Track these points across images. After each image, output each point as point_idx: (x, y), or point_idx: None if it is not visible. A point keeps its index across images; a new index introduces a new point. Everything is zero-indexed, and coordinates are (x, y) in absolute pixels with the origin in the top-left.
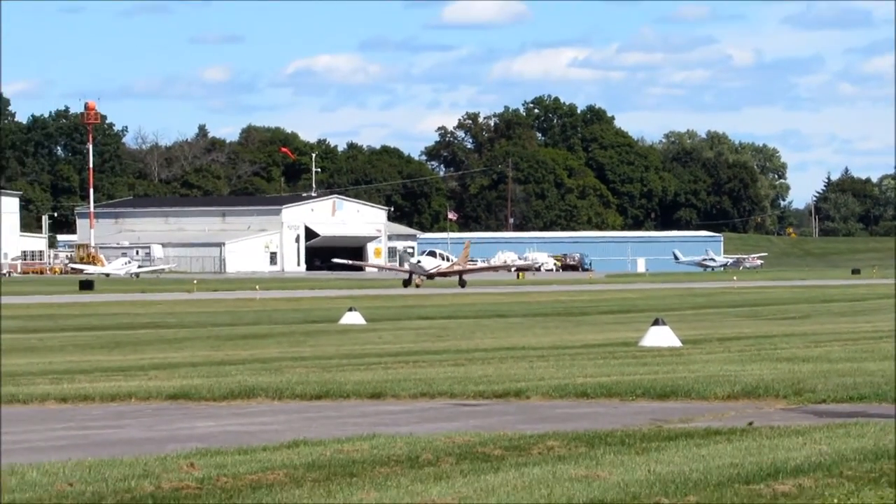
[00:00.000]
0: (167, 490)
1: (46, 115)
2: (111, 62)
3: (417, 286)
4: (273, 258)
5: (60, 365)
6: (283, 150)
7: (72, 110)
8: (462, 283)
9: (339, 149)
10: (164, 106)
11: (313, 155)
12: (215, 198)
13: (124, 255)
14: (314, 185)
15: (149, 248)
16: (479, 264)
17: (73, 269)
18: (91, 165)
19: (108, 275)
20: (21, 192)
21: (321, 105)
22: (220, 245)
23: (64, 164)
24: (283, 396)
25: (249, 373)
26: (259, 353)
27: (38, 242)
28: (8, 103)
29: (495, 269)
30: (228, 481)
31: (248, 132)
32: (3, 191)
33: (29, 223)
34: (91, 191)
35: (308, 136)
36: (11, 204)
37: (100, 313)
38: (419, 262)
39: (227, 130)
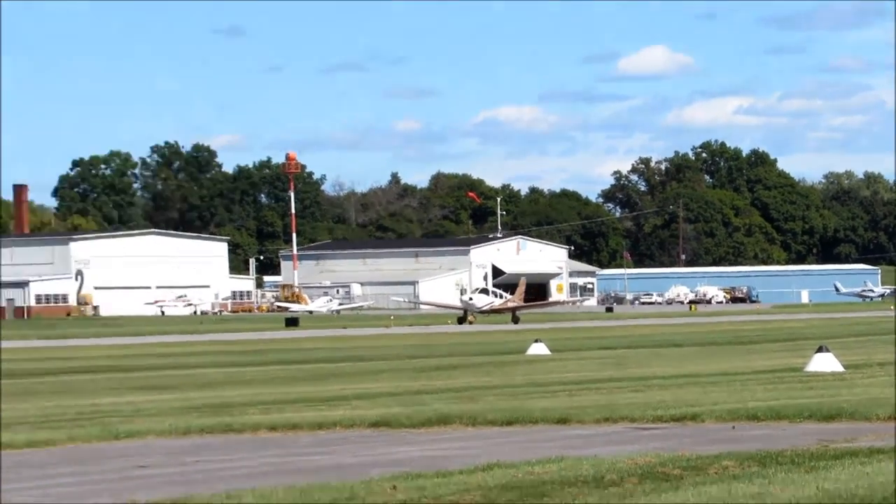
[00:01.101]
0: None
1: (251, 165)
2: (311, 116)
3: (471, 322)
4: (463, 294)
5: (269, 396)
6: (471, 194)
7: (274, 160)
8: (515, 320)
9: (522, 193)
10: (360, 156)
11: (498, 199)
12: (409, 240)
13: (325, 293)
14: (499, 227)
15: (348, 286)
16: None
17: (278, 307)
18: (293, 211)
19: (311, 312)
20: (229, 238)
21: (505, 152)
22: (413, 283)
23: (268, 211)
24: (476, 423)
25: (445, 401)
26: (453, 383)
27: (246, 283)
28: (215, 155)
29: (550, 304)
30: (429, 502)
31: (438, 178)
32: (213, 236)
33: (237, 266)
34: (294, 235)
35: (493, 181)
36: (220, 248)
37: (304, 348)
38: (471, 299)
39: (419, 177)
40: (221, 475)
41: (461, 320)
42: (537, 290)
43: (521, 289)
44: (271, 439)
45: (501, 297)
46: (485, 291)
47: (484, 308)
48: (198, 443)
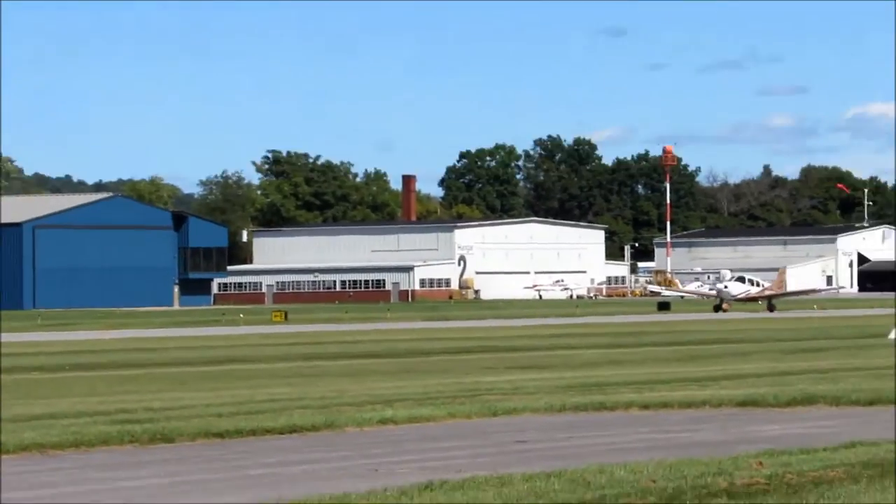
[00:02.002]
0: (739, 486)
1: (629, 158)
2: (689, 112)
3: (725, 311)
4: (829, 281)
5: (642, 376)
6: (840, 186)
7: (651, 153)
8: (771, 308)
9: (889, 184)
10: (734, 149)
11: (866, 190)
12: (777, 228)
13: (697, 279)
14: (866, 217)
15: (719, 273)
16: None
17: (651, 291)
18: (668, 201)
19: (683, 297)
20: (606, 226)
21: (874, 147)
22: (782, 269)
23: (644, 201)
24: (840, 403)
25: (809, 382)
26: (817, 365)
27: (621, 269)
28: (595, 148)
29: (807, 293)
30: (793, 478)
31: (808, 171)
32: (591, 224)
33: (613, 252)
34: (668, 224)
35: (861, 173)
36: (598, 236)
37: (676, 330)
38: (726, 286)
39: (790, 169)
40: (595, 450)
41: (717, 308)
42: None
43: (780, 277)
44: (643, 417)
45: (758, 284)
46: (741, 279)
47: (739, 296)
48: (571, 420)
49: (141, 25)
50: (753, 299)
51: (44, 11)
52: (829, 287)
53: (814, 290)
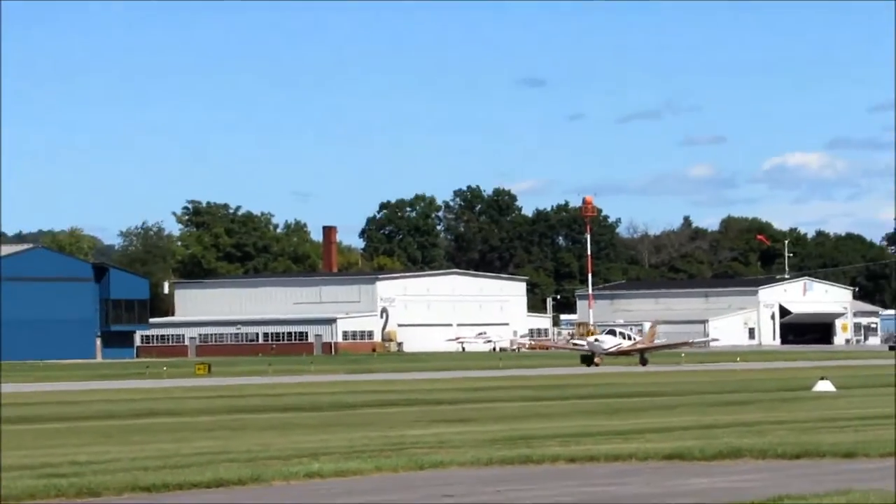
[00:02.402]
0: None
1: (549, 209)
2: (608, 161)
3: (597, 364)
4: (751, 333)
5: (568, 429)
6: (760, 237)
7: (571, 204)
8: (643, 362)
9: (809, 236)
10: (654, 200)
11: (786, 242)
12: (699, 280)
13: (620, 331)
14: (787, 269)
15: (641, 325)
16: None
17: (574, 344)
18: (589, 253)
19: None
20: (528, 278)
21: (793, 197)
22: (704, 322)
23: (565, 252)
24: (766, 456)
25: (735, 435)
26: (742, 418)
27: (543, 321)
28: (515, 199)
29: (679, 346)
30: None
31: (728, 222)
32: (512, 276)
33: (535, 305)
34: (589, 275)
35: (781, 224)
36: (520, 288)
37: (601, 383)
38: (597, 340)
39: (710, 221)
40: None
41: (587, 360)
42: (823, 328)
43: (651, 330)
44: (570, 470)
45: (629, 338)
46: (612, 333)
47: (611, 349)
48: (498, 473)
49: (59, 71)
50: (626, 353)
51: None
52: (704, 339)
53: (686, 343)
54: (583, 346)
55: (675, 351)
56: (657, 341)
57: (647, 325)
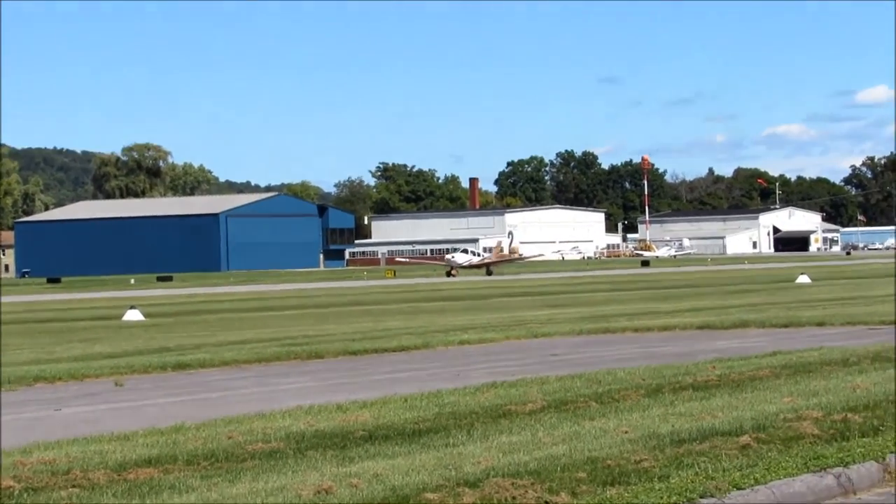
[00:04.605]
0: (700, 382)
1: (620, 164)
2: (660, 132)
3: (453, 276)
4: (754, 245)
5: (633, 310)
6: (760, 181)
7: (634, 161)
8: (489, 272)
9: (792, 179)
10: (689, 157)
11: (777, 183)
12: (719, 210)
13: (666, 244)
14: (777, 201)
15: (681, 240)
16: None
17: (636, 253)
18: (646, 192)
19: (657, 257)
20: (605, 210)
21: (783, 154)
22: (722, 238)
23: (630, 192)
24: (765, 326)
25: (744, 312)
26: (749, 300)
27: (615, 239)
28: (597, 157)
29: (511, 260)
30: (736, 376)
31: (739, 171)
32: (596, 209)
33: (610, 228)
34: (646, 208)
35: (774, 172)
36: (600, 217)
37: (654, 279)
38: (453, 257)
39: (727, 170)
40: (603, 359)
41: (448, 273)
42: (802, 241)
43: (497, 248)
44: (634, 337)
45: (478, 255)
46: (465, 251)
47: (464, 264)
48: (587, 339)
49: (322, 48)
50: (476, 266)
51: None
52: (538, 254)
53: (521, 258)
54: (642, 255)
55: (701, 256)
56: (513, 256)
57: (505, 243)
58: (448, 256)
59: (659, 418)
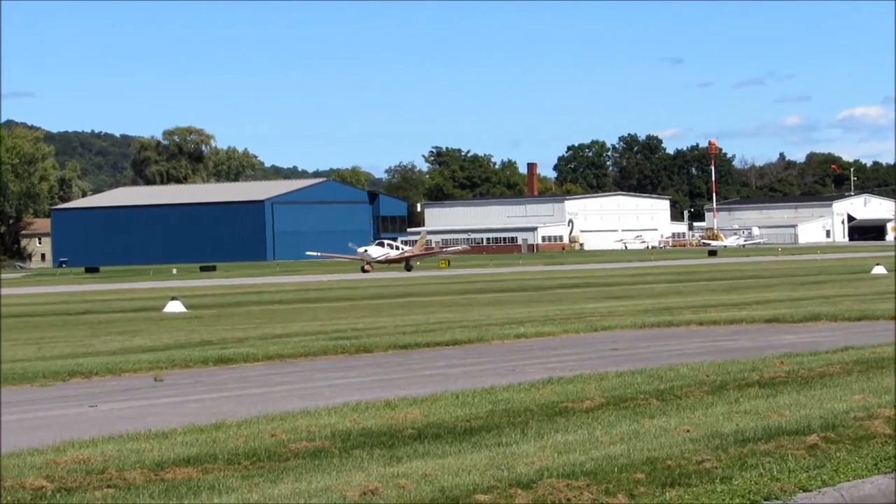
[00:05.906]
0: (767, 379)
1: (686, 148)
2: (728, 114)
3: (367, 271)
4: (827, 234)
5: (698, 302)
6: (833, 166)
7: (701, 145)
8: (408, 268)
9: (868, 165)
10: (759, 141)
11: (852, 169)
12: (790, 197)
13: (735, 234)
14: (852, 188)
15: (750, 229)
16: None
17: (703, 243)
18: (713, 178)
19: (725, 246)
20: (670, 197)
21: (858, 138)
22: (794, 226)
23: (696, 179)
24: (837, 319)
25: (815, 305)
26: (821, 292)
27: (681, 227)
28: (661, 142)
29: (433, 254)
30: (805, 373)
31: (812, 156)
32: (660, 195)
33: (675, 216)
34: (714, 195)
35: (849, 157)
36: (665, 204)
37: (721, 270)
38: (366, 251)
39: (798, 155)
40: (665, 354)
41: (363, 269)
42: (877, 230)
43: (420, 242)
44: (699, 331)
45: (398, 248)
46: (381, 244)
47: (380, 258)
48: (649, 333)
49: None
50: (395, 261)
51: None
52: (463, 246)
53: (437, 252)
54: (709, 244)
55: (772, 246)
56: (434, 249)
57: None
58: (360, 250)
59: (723, 416)
